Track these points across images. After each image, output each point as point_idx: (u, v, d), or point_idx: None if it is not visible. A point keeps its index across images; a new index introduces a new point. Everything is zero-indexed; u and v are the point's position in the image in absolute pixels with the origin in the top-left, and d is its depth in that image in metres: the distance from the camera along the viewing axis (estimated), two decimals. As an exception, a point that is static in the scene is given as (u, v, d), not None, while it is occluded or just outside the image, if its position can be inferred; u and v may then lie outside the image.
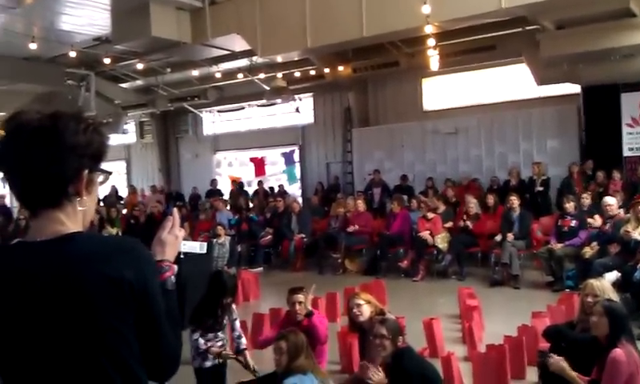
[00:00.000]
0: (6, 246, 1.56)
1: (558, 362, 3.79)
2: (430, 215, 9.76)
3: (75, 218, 1.46)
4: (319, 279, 9.64)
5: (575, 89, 12.14)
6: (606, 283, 4.38)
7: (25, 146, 1.38)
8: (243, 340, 4.61)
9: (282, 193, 14.90)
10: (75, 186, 1.44)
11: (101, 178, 1.53)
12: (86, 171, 1.45)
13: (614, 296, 4.22)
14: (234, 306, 4.63)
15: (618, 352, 3.53)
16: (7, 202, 16.00)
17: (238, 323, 4.61)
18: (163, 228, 1.67)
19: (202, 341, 4.43)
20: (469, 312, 6.20)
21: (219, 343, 4.47)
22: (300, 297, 4.85)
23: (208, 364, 4.45)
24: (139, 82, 16.37)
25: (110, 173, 1.56)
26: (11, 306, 1.38)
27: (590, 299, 4.16)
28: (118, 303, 1.38)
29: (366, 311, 4.65)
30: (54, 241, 1.40)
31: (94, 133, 1.48)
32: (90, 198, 1.50)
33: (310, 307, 4.89)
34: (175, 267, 1.63)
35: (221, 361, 4.42)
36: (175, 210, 1.75)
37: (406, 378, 3.60)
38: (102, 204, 14.32)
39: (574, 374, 3.74)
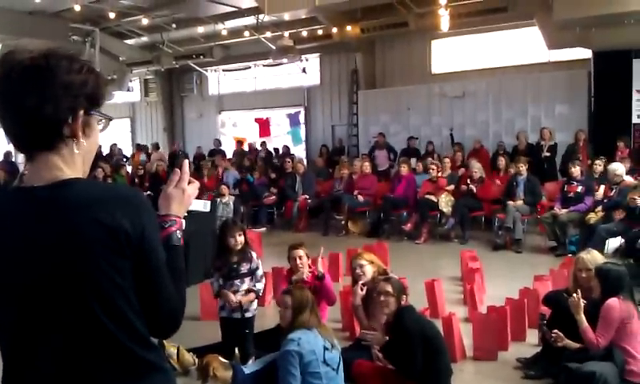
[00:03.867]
0: (2, 193, 1.54)
1: (578, 301, 3.86)
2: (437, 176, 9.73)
3: (73, 163, 1.42)
4: (323, 240, 9.68)
5: (586, 54, 11.95)
6: (595, 254, 4.38)
7: (16, 84, 1.34)
8: (258, 285, 4.49)
9: (287, 154, 14.84)
10: (71, 128, 1.39)
11: (101, 124, 1.47)
12: (82, 112, 1.41)
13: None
14: (254, 255, 4.53)
15: (611, 300, 3.74)
16: (13, 157, 16.02)
17: (259, 272, 4.52)
18: (170, 182, 1.62)
19: (216, 285, 4.47)
20: (470, 274, 6.21)
21: (237, 293, 4.44)
22: (300, 252, 4.85)
23: (224, 314, 4.49)
24: (144, 39, 16.19)
25: (111, 118, 1.51)
26: (4, 252, 1.35)
27: (584, 275, 4.17)
28: (113, 252, 1.34)
29: (368, 271, 4.68)
30: (50, 186, 1.36)
31: (89, 72, 1.42)
32: (89, 142, 1.45)
33: (321, 269, 4.88)
34: (182, 222, 1.58)
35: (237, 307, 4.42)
36: (186, 162, 1.67)
37: (406, 335, 3.64)
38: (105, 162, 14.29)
39: (583, 316, 3.83)
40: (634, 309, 3.77)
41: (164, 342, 4.25)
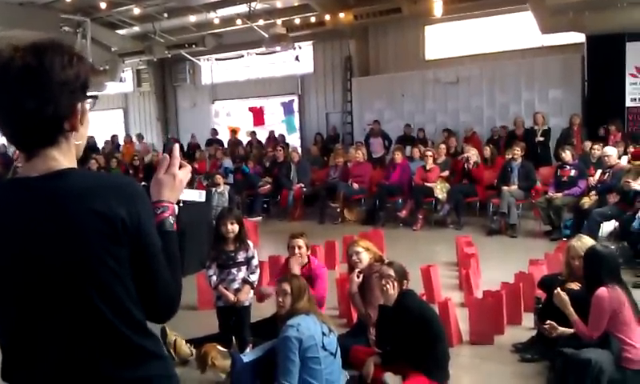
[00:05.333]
0: None
1: (561, 295, 3.91)
2: (430, 165, 9.72)
3: (69, 153, 1.43)
4: (319, 228, 9.71)
5: (580, 38, 11.94)
6: (586, 240, 4.37)
7: (12, 89, 1.33)
8: (252, 277, 4.51)
9: (281, 142, 14.81)
10: (71, 122, 1.41)
11: (89, 104, 1.47)
12: (79, 104, 1.42)
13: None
14: (251, 244, 4.57)
15: (601, 289, 3.70)
16: (7, 150, 15.96)
17: (254, 262, 4.54)
18: (159, 168, 1.61)
19: (214, 278, 4.47)
20: (466, 259, 6.24)
21: (234, 281, 4.47)
22: (299, 241, 4.85)
23: (220, 303, 4.51)
24: (136, 29, 16.07)
25: (97, 97, 1.51)
26: (0, 242, 1.36)
27: (577, 263, 4.19)
28: (110, 240, 1.35)
29: (365, 258, 4.68)
30: (46, 177, 1.37)
31: (80, 62, 1.42)
32: (84, 128, 1.47)
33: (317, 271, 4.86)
34: (175, 207, 1.58)
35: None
36: (177, 146, 1.65)
37: (406, 315, 3.72)
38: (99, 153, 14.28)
39: (572, 310, 3.86)
40: (625, 296, 3.71)
41: (167, 330, 4.30)
